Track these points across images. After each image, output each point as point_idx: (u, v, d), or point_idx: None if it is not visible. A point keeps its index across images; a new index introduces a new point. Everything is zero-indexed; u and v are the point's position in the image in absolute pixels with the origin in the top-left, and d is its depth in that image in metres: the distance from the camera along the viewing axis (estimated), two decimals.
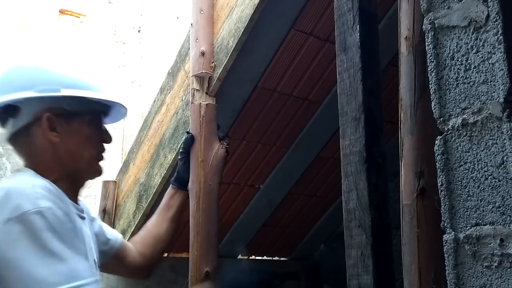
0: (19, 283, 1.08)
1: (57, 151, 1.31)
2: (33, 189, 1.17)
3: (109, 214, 2.85)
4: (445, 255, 0.98)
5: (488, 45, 0.93)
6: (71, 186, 1.33)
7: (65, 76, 1.33)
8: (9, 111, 1.28)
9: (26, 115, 1.28)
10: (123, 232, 2.83)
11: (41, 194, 1.16)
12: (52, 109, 1.30)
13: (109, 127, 1.50)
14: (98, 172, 1.40)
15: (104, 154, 1.43)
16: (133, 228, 2.74)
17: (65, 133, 1.32)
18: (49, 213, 1.13)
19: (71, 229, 1.19)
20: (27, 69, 1.34)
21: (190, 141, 2.09)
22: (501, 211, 0.90)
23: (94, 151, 1.39)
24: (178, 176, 2.03)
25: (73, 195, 1.34)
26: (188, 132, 2.13)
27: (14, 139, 1.32)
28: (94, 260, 1.32)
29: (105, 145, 1.43)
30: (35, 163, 1.30)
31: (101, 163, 1.41)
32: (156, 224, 1.86)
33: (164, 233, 1.85)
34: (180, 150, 2.12)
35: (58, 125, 1.30)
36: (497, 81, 0.91)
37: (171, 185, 2.00)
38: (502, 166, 0.90)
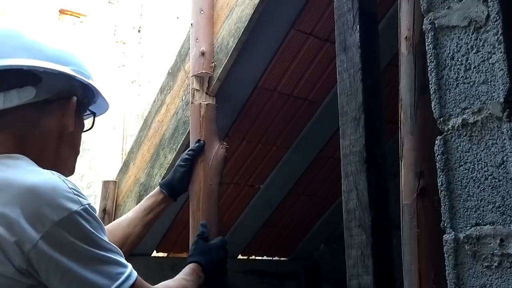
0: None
1: (62, 140, 1.19)
2: (65, 184, 1.05)
3: (109, 214, 2.85)
4: (445, 255, 0.98)
5: (488, 45, 0.93)
6: None
7: (87, 67, 1.27)
8: (27, 77, 1.12)
9: (48, 89, 1.14)
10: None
11: (75, 190, 1.06)
12: (75, 94, 1.20)
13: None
14: (73, 171, 1.27)
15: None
16: None
17: (76, 122, 1.22)
18: (92, 209, 1.06)
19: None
20: (53, 43, 1.22)
21: (201, 149, 1.99)
22: (501, 211, 0.90)
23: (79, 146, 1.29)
24: (173, 183, 1.90)
25: None
26: (200, 140, 2.03)
27: (16, 110, 1.12)
28: None
29: None
30: (28, 145, 1.13)
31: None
32: (130, 224, 1.74)
33: (136, 236, 1.77)
34: (186, 156, 1.98)
35: (75, 112, 1.20)
36: (497, 81, 0.91)
37: (159, 188, 1.88)
38: (502, 166, 0.90)
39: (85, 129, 1.30)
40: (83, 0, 4.63)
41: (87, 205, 1.05)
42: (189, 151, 2.02)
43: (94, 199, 4.28)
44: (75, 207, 1.02)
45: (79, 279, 1.01)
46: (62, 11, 4.55)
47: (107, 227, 1.66)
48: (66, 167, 1.22)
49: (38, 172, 1.08)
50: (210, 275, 1.74)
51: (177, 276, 1.66)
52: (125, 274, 1.08)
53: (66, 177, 1.17)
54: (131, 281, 1.08)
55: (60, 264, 0.99)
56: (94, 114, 1.33)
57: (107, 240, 1.09)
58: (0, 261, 0.97)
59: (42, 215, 0.98)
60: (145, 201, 1.85)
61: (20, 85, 1.12)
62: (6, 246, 0.97)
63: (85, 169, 4.43)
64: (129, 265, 1.12)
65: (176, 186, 1.91)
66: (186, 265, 1.72)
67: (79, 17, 4.64)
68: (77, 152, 1.27)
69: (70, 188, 1.05)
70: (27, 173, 1.05)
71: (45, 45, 1.20)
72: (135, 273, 1.12)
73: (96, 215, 1.09)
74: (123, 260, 1.11)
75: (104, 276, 1.04)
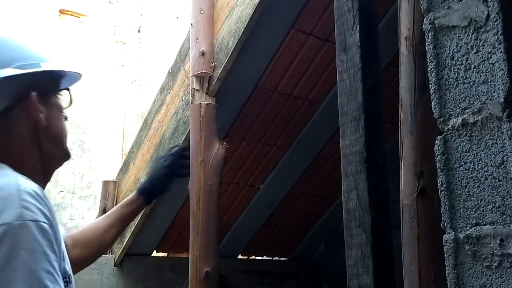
0: None
1: (39, 136, 1.12)
2: (17, 194, 0.96)
3: None
4: (445, 255, 0.98)
5: (488, 45, 0.93)
6: (43, 179, 1.14)
7: (35, 50, 1.17)
8: None
9: (2, 97, 1.08)
10: (123, 232, 2.83)
11: (27, 201, 0.96)
12: (35, 87, 1.12)
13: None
14: (69, 155, 1.20)
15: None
16: (132, 228, 2.74)
17: (47, 114, 1.13)
18: (35, 226, 0.94)
19: (55, 240, 0.98)
20: None
21: (180, 154, 1.86)
22: (501, 211, 0.90)
23: (65, 130, 1.20)
24: (152, 187, 1.80)
25: (44, 188, 1.11)
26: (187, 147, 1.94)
27: None
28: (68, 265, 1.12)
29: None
30: (6, 154, 1.08)
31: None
32: (106, 229, 1.67)
33: (109, 240, 1.70)
34: (166, 161, 1.83)
35: (41, 104, 1.12)
36: (497, 81, 0.91)
37: (138, 194, 1.76)
38: (502, 166, 0.90)
39: (65, 107, 1.22)
40: (83, 0, 4.63)
41: (30, 221, 0.93)
42: (170, 155, 1.87)
43: (94, 199, 4.28)
44: (14, 218, 0.92)
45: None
46: (62, 11, 4.55)
47: (79, 235, 1.62)
48: (56, 157, 1.16)
49: (4, 179, 1.00)
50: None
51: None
52: None
53: (64, 161, 1.16)
54: None
55: None
56: (68, 90, 1.23)
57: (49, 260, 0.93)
58: None
59: None
60: (123, 209, 1.75)
61: None
62: None
63: (85, 169, 4.44)
64: None
65: (155, 192, 1.82)
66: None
67: (79, 17, 4.64)
68: (61, 138, 1.18)
69: (20, 200, 0.95)
70: None
71: None
72: None
73: (47, 233, 0.95)
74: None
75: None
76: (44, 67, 1.13)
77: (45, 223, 0.94)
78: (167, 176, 1.82)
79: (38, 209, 0.95)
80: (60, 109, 1.19)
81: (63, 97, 1.21)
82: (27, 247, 0.91)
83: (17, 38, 1.19)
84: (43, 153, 1.13)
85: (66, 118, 1.21)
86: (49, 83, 1.16)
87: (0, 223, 0.90)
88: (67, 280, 1.05)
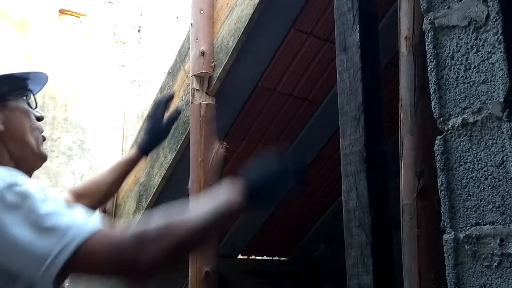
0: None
1: (3, 141, 1.14)
2: None
3: (109, 214, 2.85)
4: (445, 255, 0.98)
5: (488, 45, 0.93)
6: None
7: None
8: None
9: None
10: None
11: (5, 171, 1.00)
12: None
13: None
14: (44, 156, 1.21)
15: (43, 135, 1.23)
16: None
17: (5, 117, 1.14)
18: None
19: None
20: None
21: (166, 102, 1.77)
22: (501, 211, 0.90)
23: (36, 131, 1.20)
24: (153, 143, 1.78)
25: None
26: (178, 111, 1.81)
27: None
28: None
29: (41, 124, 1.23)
30: None
31: (43, 146, 1.22)
32: (112, 182, 1.71)
33: (114, 192, 1.76)
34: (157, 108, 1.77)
35: None
36: (497, 81, 0.91)
37: (139, 151, 1.75)
38: (502, 166, 0.90)
39: (33, 108, 1.22)
40: (83, 0, 4.63)
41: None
42: (157, 109, 1.79)
43: None
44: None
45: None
46: (62, 11, 4.55)
47: (84, 186, 1.69)
48: (28, 159, 1.16)
49: None
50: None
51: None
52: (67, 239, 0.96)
53: (40, 163, 1.17)
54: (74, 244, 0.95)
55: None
56: (30, 91, 1.22)
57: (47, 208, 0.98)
58: None
59: None
60: (128, 165, 1.76)
61: None
62: None
63: (85, 169, 4.43)
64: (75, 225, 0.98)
65: (154, 147, 1.79)
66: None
67: (79, 17, 4.64)
68: (29, 140, 1.18)
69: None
70: None
71: None
72: (84, 232, 0.98)
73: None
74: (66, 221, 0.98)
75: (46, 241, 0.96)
76: None
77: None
78: (165, 127, 1.78)
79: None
80: (24, 111, 1.18)
81: (31, 98, 1.20)
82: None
83: None
84: (12, 155, 1.14)
85: (39, 119, 1.21)
86: (4, 89, 1.15)
87: None
88: None
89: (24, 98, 1.19)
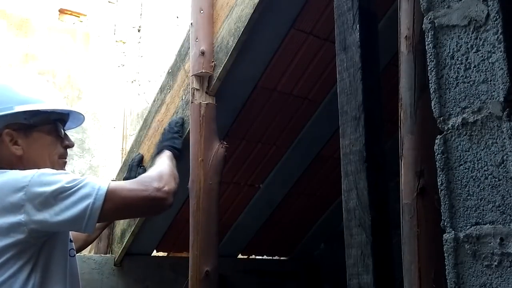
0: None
1: (22, 161, 1.44)
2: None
3: None
4: (445, 254, 0.98)
5: (488, 44, 0.93)
6: None
7: (15, 93, 1.46)
8: None
9: None
10: (123, 232, 2.84)
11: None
12: (10, 125, 1.43)
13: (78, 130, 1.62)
14: None
15: (65, 159, 1.56)
16: (133, 228, 2.74)
17: (27, 144, 1.45)
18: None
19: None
20: None
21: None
22: (501, 210, 0.90)
23: (55, 156, 1.51)
24: None
25: None
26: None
27: None
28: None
29: (68, 150, 1.57)
30: (9, 165, 1.42)
31: (62, 167, 1.54)
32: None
33: (94, 239, 2.09)
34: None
35: (19, 138, 1.44)
36: (497, 80, 0.91)
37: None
38: (502, 165, 0.90)
39: (62, 136, 1.53)
40: (83, 0, 4.63)
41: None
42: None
43: None
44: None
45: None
46: (62, 11, 4.55)
47: None
48: None
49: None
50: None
51: (157, 162, 1.87)
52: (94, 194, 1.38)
53: None
54: (104, 189, 1.38)
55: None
56: (56, 122, 1.52)
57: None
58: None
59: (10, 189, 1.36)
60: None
61: None
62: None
63: (85, 168, 4.43)
64: (97, 182, 1.40)
65: None
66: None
67: (79, 17, 4.64)
68: (46, 163, 1.47)
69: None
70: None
71: None
72: (106, 183, 1.41)
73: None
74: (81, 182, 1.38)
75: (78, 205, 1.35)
76: (17, 109, 1.43)
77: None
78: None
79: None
80: (47, 141, 1.49)
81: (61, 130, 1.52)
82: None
83: (5, 81, 1.48)
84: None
85: (68, 146, 1.54)
86: (33, 120, 1.46)
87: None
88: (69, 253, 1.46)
89: (57, 128, 1.51)
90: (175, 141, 2.09)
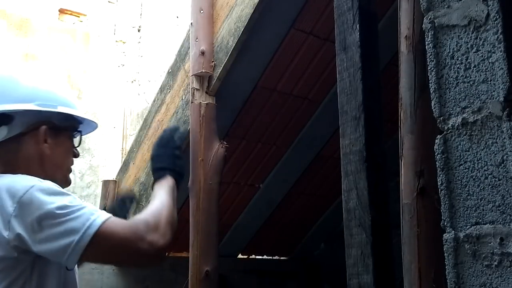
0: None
1: (43, 160, 1.42)
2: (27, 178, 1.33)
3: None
4: (445, 254, 0.98)
5: (488, 44, 0.93)
6: None
7: (58, 94, 1.47)
8: (1, 118, 1.39)
9: (20, 124, 1.40)
10: None
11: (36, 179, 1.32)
12: (47, 123, 1.43)
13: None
14: (68, 182, 1.50)
15: (72, 167, 1.54)
16: None
17: (54, 145, 1.44)
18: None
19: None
20: (24, 83, 1.45)
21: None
22: (501, 210, 0.90)
23: (70, 163, 1.52)
24: None
25: None
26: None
27: (1, 144, 1.40)
28: None
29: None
30: (17, 168, 1.38)
31: (70, 174, 1.53)
32: None
33: None
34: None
35: (49, 138, 1.43)
36: (497, 80, 0.91)
37: None
38: (502, 165, 0.90)
39: (76, 146, 1.52)
40: (83, 0, 4.63)
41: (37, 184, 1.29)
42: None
43: (94, 199, 4.28)
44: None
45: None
46: (62, 11, 4.55)
47: None
48: (57, 181, 1.40)
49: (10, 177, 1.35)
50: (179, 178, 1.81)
51: (157, 195, 1.63)
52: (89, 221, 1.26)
53: (64, 186, 1.41)
54: (93, 229, 1.25)
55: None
56: (80, 133, 1.53)
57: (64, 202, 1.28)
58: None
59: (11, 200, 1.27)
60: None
61: (6, 123, 1.38)
62: None
63: (85, 168, 4.43)
64: (92, 214, 1.28)
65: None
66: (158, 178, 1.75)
67: (79, 17, 4.63)
68: (63, 167, 1.48)
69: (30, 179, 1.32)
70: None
71: (13, 87, 1.43)
72: (99, 220, 1.28)
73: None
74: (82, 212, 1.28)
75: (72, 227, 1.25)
76: (60, 109, 1.43)
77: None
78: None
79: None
80: (68, 146, 1.50)
81: (76, 138, 1.53)
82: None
83: (49, 82, 1.50)
84: (46, 174, 1.40)
85: (75, 155, 1.52)
86: (63, 124, 1.47)
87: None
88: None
89: (73, 136, 1.51)
90: (176, 161, 1.81)
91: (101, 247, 1.27)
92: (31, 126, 1.41)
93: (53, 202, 1.26)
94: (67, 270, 1.36)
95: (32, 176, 1.33)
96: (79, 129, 1.54)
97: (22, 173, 1.36)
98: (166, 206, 1.53)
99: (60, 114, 1.45)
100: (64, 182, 1.48)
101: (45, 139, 1.42)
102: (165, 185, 1.68)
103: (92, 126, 1.59)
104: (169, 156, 1.82)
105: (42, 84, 1.48)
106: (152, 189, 1.73)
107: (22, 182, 1.30)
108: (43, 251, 1.25)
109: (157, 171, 1.77)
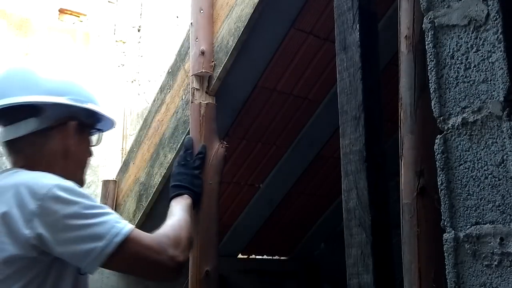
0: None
1: (67, 157, 1.39)
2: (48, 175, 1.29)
3: None
4: (445, 254, 0.98)
5: (488, 44, 0.93)
6: None
7: (87, 91, 1.47)
8: (31, 110, 1.35)
9: (50, 118, 1.37)
10: None
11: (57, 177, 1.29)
12: (75, 119, 1.41)
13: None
14: (83, 183, 1.48)
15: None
16: None
17: (78, 142, 1.42)
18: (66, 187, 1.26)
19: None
20: (55, 76, 1.43)
21: None
22: (501, 210, 0.90)
23: (88, 162, 1.51)
24: None
25: None
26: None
27: (24, 138, 1.35)
28: None
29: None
30: (38, 164, 1.34)
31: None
32: None
33: None
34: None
35: (76, 134, 1.41)
36: (497, 80, 0.91)
37: None
38: (502, 165, 0.90)
39: (93, 145, 1.51)
40: (83, 0, 4.63)
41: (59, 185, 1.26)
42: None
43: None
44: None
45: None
46: (61, 11, 4.54)
47: None
48: (75, 179, 1.37)
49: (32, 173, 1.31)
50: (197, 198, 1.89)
51: (176, 212, 1.68)
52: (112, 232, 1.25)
53: (80, 186, 1.38)
54: (120, 238, 1.24)
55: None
56: (100, 131, 1.53)
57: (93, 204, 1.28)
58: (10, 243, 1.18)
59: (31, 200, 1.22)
60: None
61: (25, 117, 1.34)
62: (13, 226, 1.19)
63: None
64: (118, 223, 1.27)
65: None
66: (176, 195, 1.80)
67: (79, 17, 4.63)
68: (83, 166, 1.47)
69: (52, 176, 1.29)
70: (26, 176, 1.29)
71: (44, 79, 1.39)
72: (126, 229, 1.27)
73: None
74: (109, 218, 1.27)
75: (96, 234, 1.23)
76: (89, 106, 1.43)
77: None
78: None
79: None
80: (88, 144, 1.49)
81: (95, 137, 1.52)
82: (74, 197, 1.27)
83: (79, 79, 1.50)
84: (65, 170, 1.37)
85: (91, 155, 1.50)
86: (88, 121, 1.46)
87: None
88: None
89: (91, 134, 1.50)
90: (195, 181, 1.87)
91: (125, 256, 1.25)
92: (59, 121, 1.38)
93: (79, 203, 1.24)
94: (80, 274, 1.32)
95: (52, 174, 1.30)
96: (97, 127, 1.52)
97: (42, 170, 1.31)
98: (185, 223, 1.57)
99: (87, 111, 1.44)
100: (81, 182, 1.45)
101: (73, 135, 1.40)
102: (183, 203, 1.74)
103: (110, 124, 1.58)
104: (188, 175, 1.88)
105: (73, 79, 1.46)
106: (169, 204, 1.76)
107: (44, 179, 1.26)
108: (64, 252, 1.21)
109: (176, 188, 1.82)
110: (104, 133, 1.58)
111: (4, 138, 1.37)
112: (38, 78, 1.39)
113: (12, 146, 1.38)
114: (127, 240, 1.26)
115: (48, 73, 1.42)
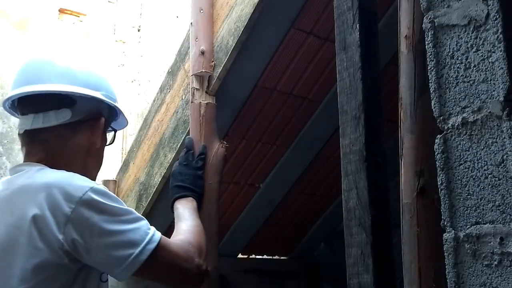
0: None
1: (90, 153, 1.36)
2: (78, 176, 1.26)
3: None
4: (445, 254, 0.98)
5: (488, 43, 0.93)
6: None
7: (114, 90, 1.44)
8: (65, 100, 1.30)
9: (82, 110, 1.32)
10: None
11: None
12: (103, 115, 1.38)
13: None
14: (95, 179, 1.44)
15: None
16: None
17: (101, 140, 1.40)
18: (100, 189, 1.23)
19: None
20: (93, 70, 1.41)
21: None
22: (501, 210, 0.90)
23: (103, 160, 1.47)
24: None
25: None
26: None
27: (52, 128, 1.29)
28: None
29: None
30: (59, 158, 1.29)
31: None
32: None
33: None
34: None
35: (103, 131, 1.40)
36: (497, 80, 0.91)
37: None
38: (502, 164, 0.90)
39: (107, 144, 1.49)
40: (83, 0, 4.63)
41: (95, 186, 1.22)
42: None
43: None
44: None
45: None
46: (61, 11, 4.54)
47: None
48: (91, 174, 1.36)
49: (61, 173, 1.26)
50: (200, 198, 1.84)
51: (186, 216, 1.64)
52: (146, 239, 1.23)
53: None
54: (153, 245, 1.22)
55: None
56: (115, 131, 1.51)
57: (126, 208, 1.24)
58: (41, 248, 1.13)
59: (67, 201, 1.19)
60: None
61: (57, 107, 1.28)
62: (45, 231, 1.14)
63: None
64: (149, 229, 1.27)
65: None
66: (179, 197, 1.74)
67: (78, 16, 4.63)
68: (100, 164, 1.44)
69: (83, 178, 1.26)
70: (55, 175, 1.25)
71: (79, 71, 1.36)
72: (157, 236, 1.27)
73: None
74: (140, 224, 1.25)
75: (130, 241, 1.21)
76: (117, 105, 1.40)
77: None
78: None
79: None
80: (105, 143, 1.47)
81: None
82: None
83: (107, 76, 1.46)
84: (85, 166, 1.35)
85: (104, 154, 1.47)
86: (110, 118, 1.44)
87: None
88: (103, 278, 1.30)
89: (109, 133, 1.47)
90: (198, 182, 1.82)
91: (157, 263, 1.23)
92: (90, 116, 1.34)
93: (113, 207, 1.19)
94: (102, 282, 1.28)
95: (82, 176, 1.24)
96: (112, 126, 1.50)
97: (62, 165, 1.26)
98: (201, 230, 1.56)
99: (112, 110, 1.41)
100: (95, 177, 1.43)
101: (101, 132, 1.37)
102: (190, 207, 1.70)
103: (123, 124, 1.55)
104: (191, 175, 1.82)
105: (107, 76, 1.44)
106: (172, 205, 1.73)
107: (78, 181, 1.20)
108: (96, 259, 1.17)
109: (179, 189, 1.75)
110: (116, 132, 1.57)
111: (30, 125, 1.27)
112: (69, 68, 1.35)
113: (35, 135, 1.30)
114: (159, 248, 1.24)
115: (83, 65, 1.39)
